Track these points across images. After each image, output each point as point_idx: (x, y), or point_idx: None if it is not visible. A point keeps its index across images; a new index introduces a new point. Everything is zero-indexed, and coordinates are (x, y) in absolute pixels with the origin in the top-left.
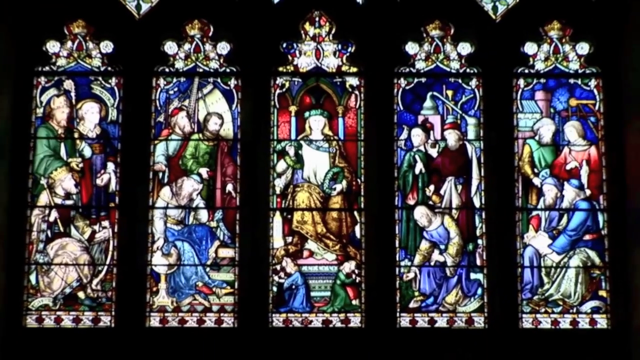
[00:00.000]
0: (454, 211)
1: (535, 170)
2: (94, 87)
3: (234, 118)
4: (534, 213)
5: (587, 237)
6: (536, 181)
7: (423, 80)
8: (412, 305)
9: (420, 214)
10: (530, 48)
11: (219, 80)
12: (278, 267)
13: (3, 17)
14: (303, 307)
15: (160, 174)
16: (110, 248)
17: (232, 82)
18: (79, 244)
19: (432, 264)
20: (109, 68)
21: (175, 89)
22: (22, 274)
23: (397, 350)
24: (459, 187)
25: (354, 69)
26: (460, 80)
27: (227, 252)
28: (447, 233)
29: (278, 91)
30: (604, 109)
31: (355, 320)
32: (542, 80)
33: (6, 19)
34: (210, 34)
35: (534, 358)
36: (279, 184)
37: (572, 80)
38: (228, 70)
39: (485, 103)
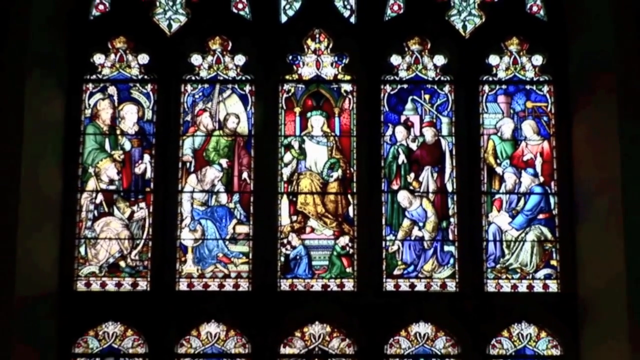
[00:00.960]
0: (430, 195)
1: (498, 161)
2: (133, 92)
3: (249, 117)
4: (497, 196)
5: (540, 216)
6: (498, 170)
7: (405, 86)
8: (395, 272)
9: (403, 197)
10: (493, 60)
11: (236, 86)
12: (285, 240)
13: (59, 35)
14: (306, 274)
15: (188, 164)
16: (146, 225)
17: (247, 88)
18: (120, 221)
19: (413, 238)
20: (145, 76)
21: (200, 94)
22: (73, 247)
23: (384, 308)
24: (435, 175)
25: (347, 77)
26: (435, 87)
27: (242, 229)
28: (425, 213)
29: (285, 95)
30: (555, 110)
31: (349, 285)
32: (504, 87)
33: (62, 36)
34: (229, 48)
35: (497, 316)
36: (286, 172)
37: (528, 87)
38: (244, 78)
39: (456, 105)
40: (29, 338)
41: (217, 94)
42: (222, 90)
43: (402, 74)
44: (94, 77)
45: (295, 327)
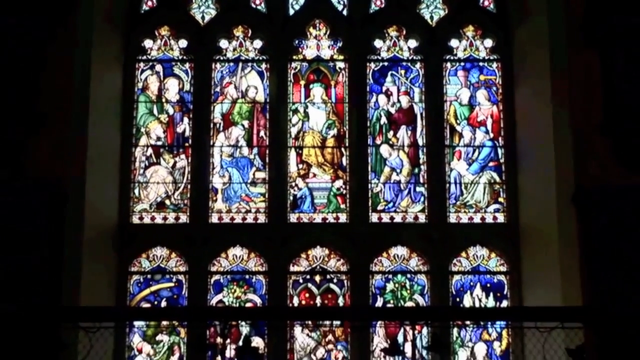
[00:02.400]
0: (405, 147)
1: (458, 121)
2: (175, 69)
3: (264, 89)
4: (457, 149)
5: (491, 164)
6: (458, 128)
7: (385, 64)
8: (379, 208)
9: (384, 149)
10: (454, 43)
11: (254, 64)
12: (293, 184)
13: (116, 26)
14: (309, 209)
15: (218, 125)
16: (186, 172)
17: (263, 66)
18: (166, 169)
19: (392, 181)
20: (184, 57)
21: (227, 70)
22: (129, 189)
23: (370, 236)
24: (409, 132)
25: (341, 57)
26: (409, 64)
27: (260, 175)
28: (401, 162)
29: (292, 71)
30: (502, 81)
31: (343, 218)
32: (462, 64)
33: (118, 26)
34: (249, 34)
35: (457, 241)
36: (293, 130)
37: (481, 64)
38: (260, 58)
39: (426, 78)
40: (96, 260)
41: (239, 71)
42: (244, 68)
43: (383, 54)
44: (144, 57)
45: (301, 250)
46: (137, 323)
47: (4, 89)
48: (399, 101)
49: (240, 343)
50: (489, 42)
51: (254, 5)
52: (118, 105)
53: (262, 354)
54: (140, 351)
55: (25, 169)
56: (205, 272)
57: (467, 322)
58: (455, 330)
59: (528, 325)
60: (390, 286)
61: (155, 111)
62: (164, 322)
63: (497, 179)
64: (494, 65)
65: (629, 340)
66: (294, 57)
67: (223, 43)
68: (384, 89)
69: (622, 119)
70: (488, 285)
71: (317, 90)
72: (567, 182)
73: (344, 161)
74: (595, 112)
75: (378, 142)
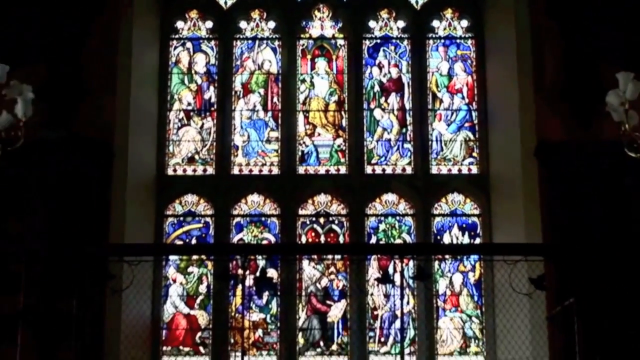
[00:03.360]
0: (395, 111)
1: (439, 89)
2: (202, 46)
3: (277, 62)
4: (438, 112)
5: (466, 124)
6: (439, 95)
7: (378, 41)
8: (372, 161)
9: (377, 113)
10: (436, 24)
11: (269, 42)
12: (301, 141)
13: (153, 9)
14: (315, 163)
15: (238, 92)
16: (212, 132)
17: (277, 43)
18: (195, 129)
19: (383, 139)
20: (210, 36)
21: (246, 47)
22: (165, 146)
23: (365, 185)
24: (398, 98)
25: (341, 35)
26: (398, 41)
27: (274, 134)
28: (392, 123)
29: (300, 47)
30: (475, 56)
31: (342, 169)
32: (442, 41)
33: (155, 10)
34: (264, 17)
35: (438, 189)
36: (301, 97)
37: (458, 41)
38: (274, 36)
39: (412, 54)
40: (138, 206)
41: (256, 47)
42: (260, 45)
43: (376, 33)
44: (176, 36)
45: (308, 197)
46: (171, 257)
47: (58, 62)
48: (389, 72)
49: (258, 274)
50: (464, 23)
51: None
52: (155, 76)
53: (276, 283)
54: (174, 281)
55: (79, 130)
56: (228, 215)
57: (446, 256)
58: (436, 263)
59: (497, 259)
60: (382, 226)
61: (186, 81)
62: (194, 257)
63: (472, 137)
64: (469, 42)
65: (580, 269)
66: (302, 35)
67: (242, 24)
68: (376, 62)
69: (578, 86)
70: (463, 225)
71: (321, 64)
72: (530, 139)
73: (344, 122)
74: (554, 81)
75: (372, 106)
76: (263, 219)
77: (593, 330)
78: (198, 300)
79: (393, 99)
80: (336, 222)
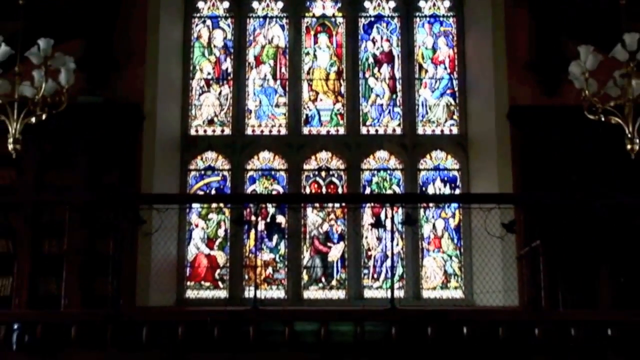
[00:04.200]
0: (386, 79)
1: (424, 61)
2: (220, 23)
3: (285, 37)
4: (424, 80)
5: (448, 91)
6: (425, 66)
7: (372, 19)
8: (367, 123)
9: (371, 81)
10: (422, 4)
11: (278, 20)
12: (306, 105)
13: None
14: (317, 124)
15: (251, 63)
16: (229, 98)
17: (284, 21)
18: (214, 96)
19: (376, 104)
20: (227, 15)
21: (258, 24)
22: (188, 110)
23: (360, 143)
24: (389, 68)
25: (340, 14)
26: (390, 20)
27: (282, 99)
28: (384, 90)
29: (305, 25)
30: (456, 32)
31: (341, 130)
32: (427, 19)
33: None
34: None
35: (423, 147)
36: (306, 67)
37: (441, 19)
38: (282, 15)
39: (401, 30)
40: (165, 161)
41: (267, 24)
42: (270, 22)
43: (371, 12)
44: (198, 15)
45: (312, 154)
46: (194, 205)
47: (95, 38)
48: (381, 46)
49: (268, 220)
50: (447, 3)
51: None
52: (179, 50)
53: (284, 227)
54: (196, 225)
55: (113, 96)
56: (242, 169)
57: (430, 205)
58: (421, 210)
59: (474, 207)
60: (375, 179)
61: (206, 54)
62: (214, 205)
63: (452, 102)
64: (451, 20)
65: (544, 216)
66: (306, 14)
67: (255, 4)
68: (371, 37)
69: (544, 58)
70: (445, 179)
71: (323, 39)
72: (503, 104)
73: (342, 89)
74: (524, 54)
75: (367, 75)
76: (273, 172)
77: (555, 267)
78: (217, 242)
79: (385, 69)
80: (335, 175)
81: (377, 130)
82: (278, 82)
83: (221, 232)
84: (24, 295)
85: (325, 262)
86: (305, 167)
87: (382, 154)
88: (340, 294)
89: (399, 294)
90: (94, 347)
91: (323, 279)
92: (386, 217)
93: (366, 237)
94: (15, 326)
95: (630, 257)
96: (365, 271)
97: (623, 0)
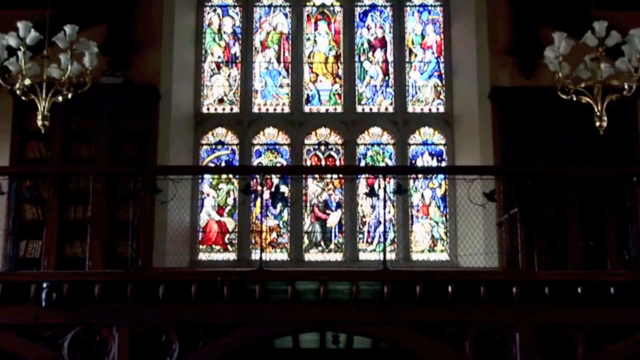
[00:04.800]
0: (380, 63)
1: (414, 46)
2: (229, 11)
3: (288, 24)
4: (414, 63)
5: (435, 73)
6: (414, 50)
7: (367, 8)
8: (362, 102)
9: (366, 64)
10: None
11: (282, 8)
12: (307, 86)
13: None
14: (317, 103)
15: (257, 48)
16: (237, 79)
17: (288, 9)
18: (224, 77)
19: (371, 85)
20: (235, 4)
21: (263, 12)
22: (200, 90)
23: (357, 120)
24: (382, 53)
25: (338, 3)
26: (383, 9)
27: (285, 80)
28: (377, 72)
29: (306, 13)
30: (443, 20)
31: (339, 108)
32: (417, 8)
33: None
34: None
35: (412, 124)
36: (307, 52)
37: (429, 8)
38: (285, 4)
39: (394, 19)
40: (179, 136)
41: (272, 12)
42: (275, 11)
43: (366, 1)
44: (209, 4)
45: (312, 129)
46: (206, 176)
47: (116, 24)
48: (375, 32)
49: (273, 189)
50: None
51: None
52: (192, 35)
53: (287, 196)
54: (208, 195)
55: (132, 77)
56: (250, 144)
57: (419, 176)
58: (411, 181)
59: (458, 178)
60: (370, 153)
61: (216, 39)
62: (224, 175)
63: (439, 83)
64: (438, 9)
65: (522, 186)
66: (307, 3)
67: None
68: (366, 24)
69: (522, 44)
70: (432, 152)
71: (322, 26)
72: (485, 85)
73: (340, 72)
74: (504, 39)
75: (362, 59)
76: (277, 147)
77: (531, 232)
78: (226, 210)
79: (378, 53)
80: (333, 149)
81: (371, 109)
82: (282, 65)
83: (230, 201)
84: (52, 258)
85: (324, 228)
86: (306, 142)
87: (375, 130)
88: (338, 256)
89: (391, 256)
90: (115, 303)
91: (322, 243)
92: (379, 187)
93: (361, 205)
94: (45, 285)
95: (598, 224)
96: (360, 236)
97: None
